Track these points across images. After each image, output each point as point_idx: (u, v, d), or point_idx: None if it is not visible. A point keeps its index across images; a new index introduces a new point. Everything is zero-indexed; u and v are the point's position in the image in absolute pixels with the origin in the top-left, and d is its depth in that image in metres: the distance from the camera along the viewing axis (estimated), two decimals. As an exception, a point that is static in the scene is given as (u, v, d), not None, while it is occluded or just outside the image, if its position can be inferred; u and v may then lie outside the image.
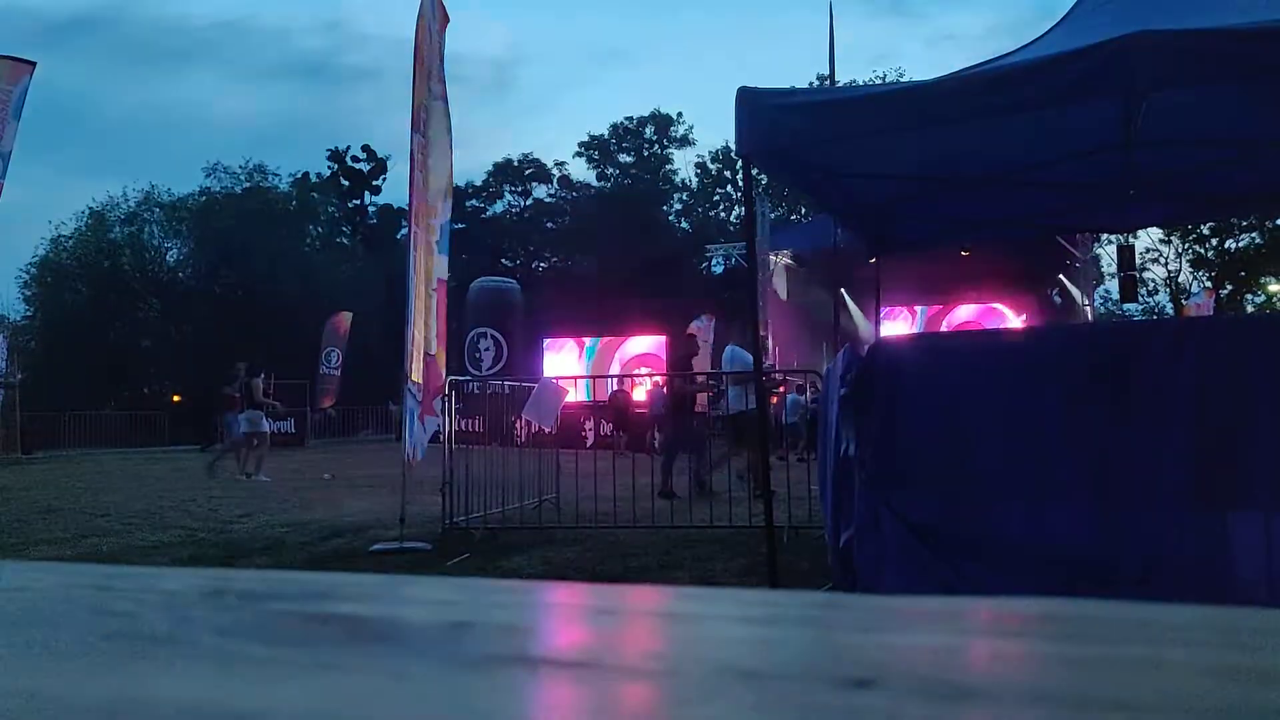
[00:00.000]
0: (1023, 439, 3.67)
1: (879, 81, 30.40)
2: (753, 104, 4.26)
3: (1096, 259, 21.11)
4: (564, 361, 22.01)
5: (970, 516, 3.73)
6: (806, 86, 19.63)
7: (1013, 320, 19.49)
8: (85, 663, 0.49)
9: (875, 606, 0.58)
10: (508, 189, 45.87)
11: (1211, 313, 26.46)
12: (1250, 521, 3.34)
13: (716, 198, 43.70)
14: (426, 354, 7.40)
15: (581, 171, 44.97)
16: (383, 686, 0.44)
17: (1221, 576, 3.31)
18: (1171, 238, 36.79)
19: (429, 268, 7.44)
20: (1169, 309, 36.74)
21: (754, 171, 4.97)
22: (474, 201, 44.89)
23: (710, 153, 43.20)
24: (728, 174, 41.95)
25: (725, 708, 0.41)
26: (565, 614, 0.63)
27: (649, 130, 44.41)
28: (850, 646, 0.49)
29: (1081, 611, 0.53)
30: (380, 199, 45.08)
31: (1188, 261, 38.29)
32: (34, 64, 10.13)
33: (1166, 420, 3.44)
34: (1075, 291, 17.80)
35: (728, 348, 9.48)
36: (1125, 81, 3.61)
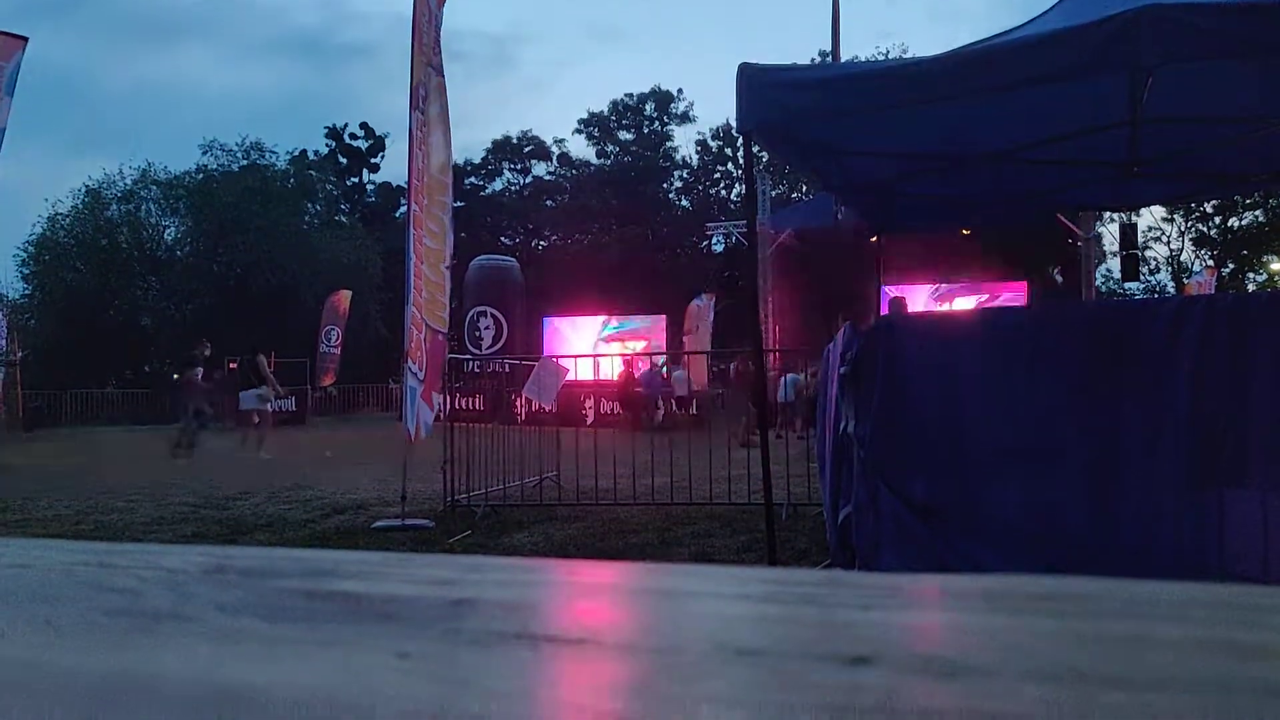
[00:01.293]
0: (1021, 418, 3.68)
1: (882, 58, 30.19)
2: (754, 80, 4.22)
3: (1098, 237, 21.07)
4: (564, 339, 22.04)
5: (967, 495, 3.74)
6: (808, 63, 19.49)
7: (1013, 298, 19.49)
8: (87, 639, 0.49)
9: (873, 584, 0.59)
10: (507, 166, 45.68)
11: (1213, 291, 26.42)
12: (1246, 500, 3.35)
13: (717, 175, 43.49)
14: (436, 332, 7.40)
15: (581, 149, 44.79)
16: (384, 663, 0.44)
17: (1217, 554, 3.32)
18: (1174, 216, 36.66)
19: (442, 247, 7.43)
20: (1170, 287, 36.66)
21: (755, 149, 4.94)
22: (473, 179, 44.70)
23: (711, 130, 42.95)
24: (728, 151, 41.70)
25: (724, 684, 0.41)
26: (566, 591, 0.64)
27: (649, 107, 44.11)
28: (848, 624, 0.50)
29: (1077, 589, 0.54)
30: (379, 177, 44.98)
31: (1190, 240, 38.18)
32: (26, 39, 10.04)
33: (1165, 399, 3.45)
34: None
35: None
36: (1131, 57, 3.58)
